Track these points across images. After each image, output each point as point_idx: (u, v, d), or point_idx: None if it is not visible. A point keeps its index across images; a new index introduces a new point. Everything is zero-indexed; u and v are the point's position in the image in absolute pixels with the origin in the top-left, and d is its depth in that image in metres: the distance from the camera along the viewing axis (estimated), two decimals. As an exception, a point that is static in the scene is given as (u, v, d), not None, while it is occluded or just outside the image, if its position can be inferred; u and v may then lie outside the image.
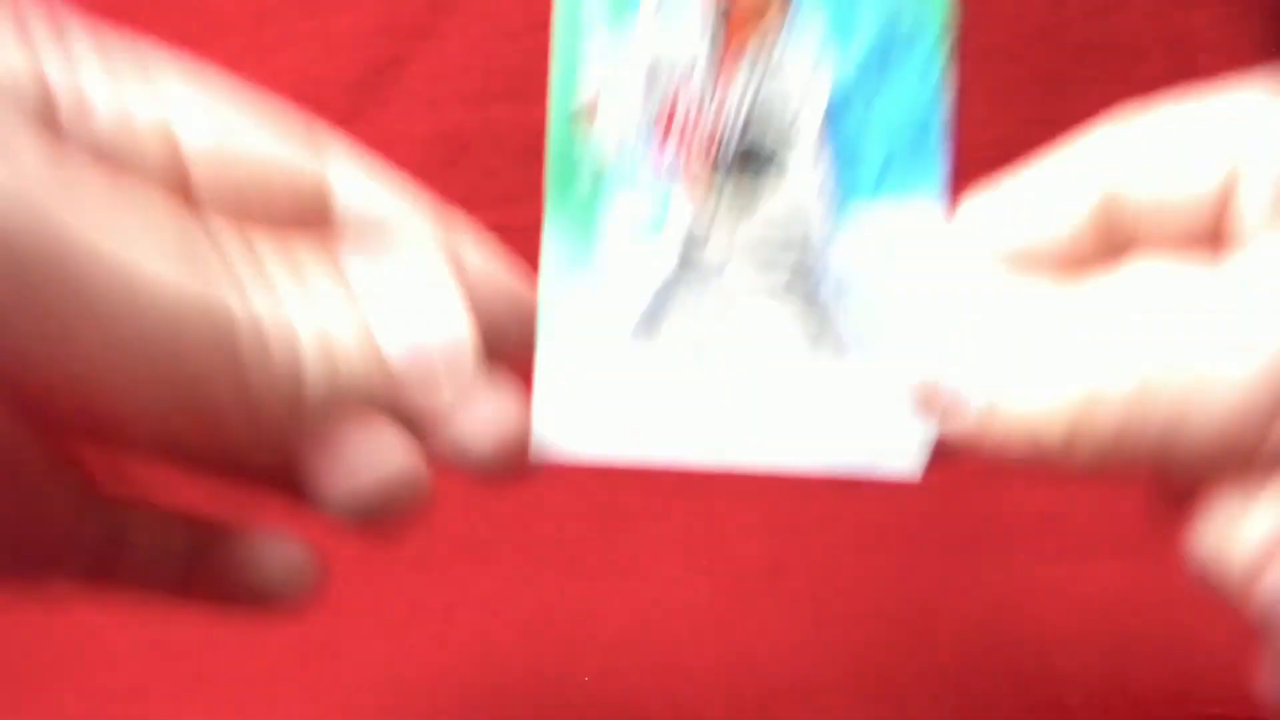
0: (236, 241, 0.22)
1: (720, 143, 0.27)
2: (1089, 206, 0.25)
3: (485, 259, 0.26)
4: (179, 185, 0.23)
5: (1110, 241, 0.26)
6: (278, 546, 0.24)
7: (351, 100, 0.44)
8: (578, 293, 0.27)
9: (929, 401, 0.25)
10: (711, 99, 0.27)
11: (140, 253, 0.19)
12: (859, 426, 0.27)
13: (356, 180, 0.25)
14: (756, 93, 0.27)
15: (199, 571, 0.24)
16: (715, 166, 0.27)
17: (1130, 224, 0.25)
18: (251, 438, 0.21)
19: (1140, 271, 0.23)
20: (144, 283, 0.19)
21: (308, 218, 0.25)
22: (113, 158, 0.22)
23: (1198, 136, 0.24)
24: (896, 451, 0.27)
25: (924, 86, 0.26)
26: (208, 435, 0.21)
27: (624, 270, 0.27)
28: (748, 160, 0.27)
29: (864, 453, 0.27)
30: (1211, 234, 0.24)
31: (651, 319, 0.27)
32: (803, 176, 0.27)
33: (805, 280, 0.27)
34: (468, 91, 0.44)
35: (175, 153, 0.23)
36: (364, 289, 0.23)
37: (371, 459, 0.22)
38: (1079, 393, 0.22)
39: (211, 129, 0.23)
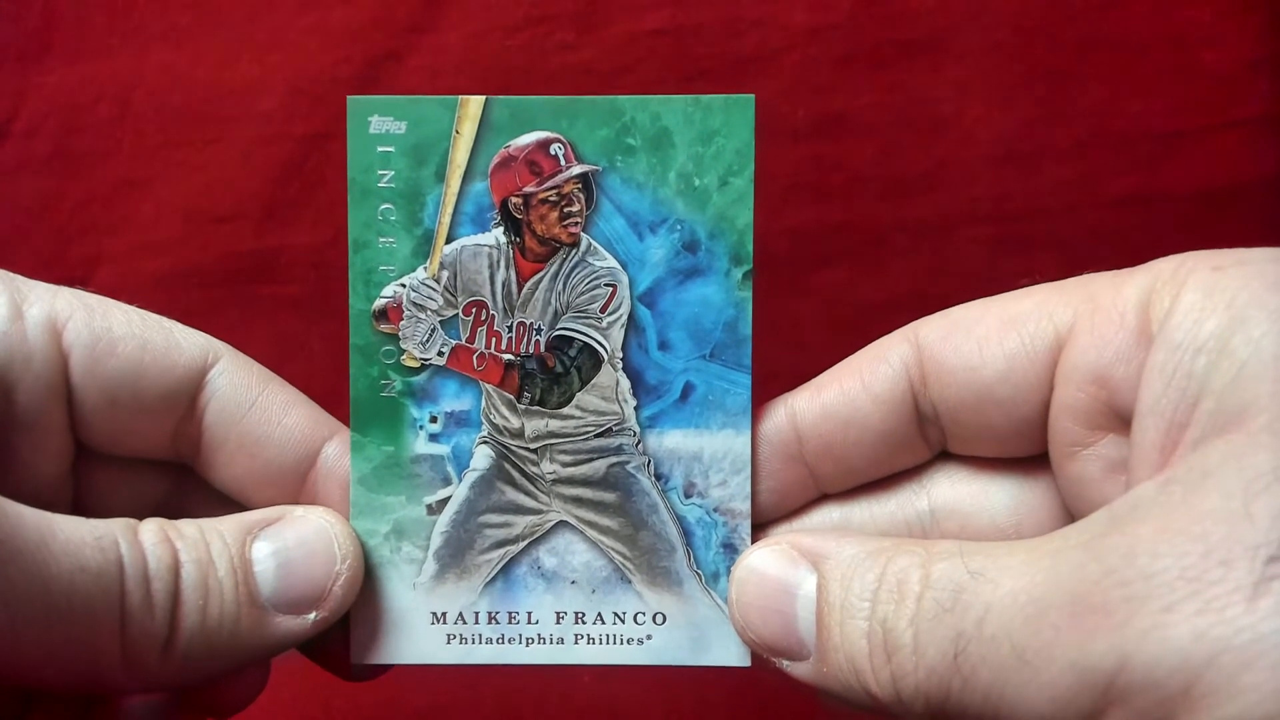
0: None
1: (528, 336, 0.26)
2: (897, 401, 0.26)
3: (342, 463, 0.27)
4: (59, 370, 0.25)
5: (925, 435, 0.26)
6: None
7: (348, 94, 0.44)
8: (390, 498, 0.27)
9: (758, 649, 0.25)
10: (518, 293, 0.26)
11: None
12: (684, 626, 0.27)
13: (232, 380, 0.27)
14: (563, 287, 0.26)
15: None
16: (524, 360, 0.27)
17: (948, 413, 0.25)
18: (125, 680, 0.23)
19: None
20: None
21: (174, 403, 0.26)
22: (3, 350, 0.24)
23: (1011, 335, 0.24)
24: (724, 650, 0.27)
25: (728, 293, 0.26)
26: (80, 680, 0.23)
27: (435, 470, 0.27)
28: (557, 352, 0.26)
29: (691, 651, 0.27)
30: (1029, 429, 0.25)
31: (466, 517, 0.27)
32: (613, 367, 0.27)
33: (621, 470, 0.27)
34: (465, 86, 0.43)
35: (58, 342, 0.25)
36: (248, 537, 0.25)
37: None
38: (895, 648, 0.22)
39: (90, 321, 0.26)
